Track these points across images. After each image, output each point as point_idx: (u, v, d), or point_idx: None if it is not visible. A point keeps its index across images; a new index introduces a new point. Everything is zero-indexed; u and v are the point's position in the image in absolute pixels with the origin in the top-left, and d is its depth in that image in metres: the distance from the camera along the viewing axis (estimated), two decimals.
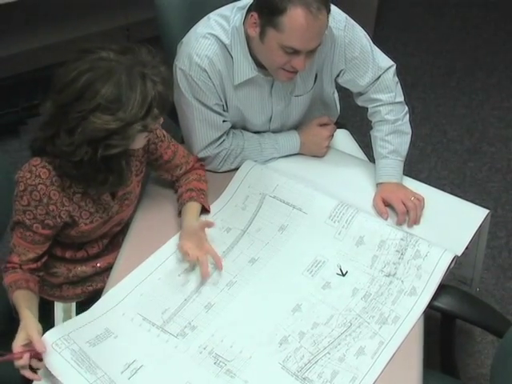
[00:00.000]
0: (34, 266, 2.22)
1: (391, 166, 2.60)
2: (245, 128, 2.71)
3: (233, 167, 2.67)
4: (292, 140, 2.71)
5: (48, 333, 2.00)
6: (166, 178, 2.57)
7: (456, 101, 4.68)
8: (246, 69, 2.48)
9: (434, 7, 5.64)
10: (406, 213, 2.47)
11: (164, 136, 2.44)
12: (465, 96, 4.73)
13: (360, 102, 2.74)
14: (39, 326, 1.99)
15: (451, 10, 5.62)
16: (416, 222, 2.47)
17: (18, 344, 1.94)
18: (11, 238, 2.22)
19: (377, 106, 2.67)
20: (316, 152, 2.74)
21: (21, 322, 2.01)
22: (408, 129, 2.68)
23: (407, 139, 2.67)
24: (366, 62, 2.61)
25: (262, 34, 2.32)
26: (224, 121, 2.60)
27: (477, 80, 4.88)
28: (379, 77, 2.65)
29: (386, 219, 2.48)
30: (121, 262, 2.36)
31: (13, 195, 2.15)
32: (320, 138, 2.73)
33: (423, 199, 2.51)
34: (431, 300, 2.22)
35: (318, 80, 2.66)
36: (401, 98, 2.69)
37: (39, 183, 2.11)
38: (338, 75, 2.66)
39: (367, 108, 2.73)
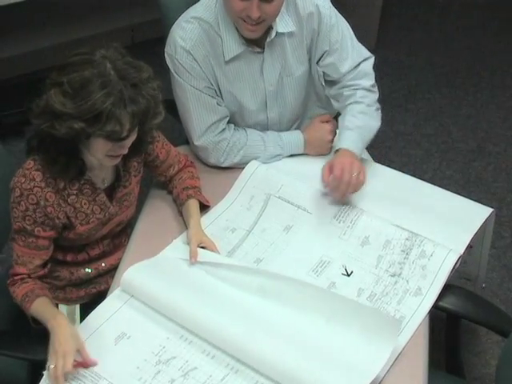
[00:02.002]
0: (42, 272, 2.22)
1: (353, 137, 2.57)
2: (243, 118, 2.71)
3: (235, 161, 2.67)
4: (295, 137, 2.72)
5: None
6: (159, 179, 2.58)
7: (460, 101, 4.68)
8: (233, 44, 2.51)
9: (437, 7, 5.64)
10: (339, 179, 2.41)
11: (159, 136, 2.45)
12: (469, 96, 4.73)
13: (334, 90, 2.74)
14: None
15: (455, 9, 5.62)
16: (342, 196, 2.44)
17: (72, 353, 1.95)
18: (13, 250, 2.20)
19: (353, 89, 2.68)
20: (321, 148, 2.74)
21: (60, 326, 2.00)
22: (377, 122, 2.69)
23: (374, 128, 2.67)
24: (347, 48, 2.65)
25: None
26: (219, 104, 2.61)
27: (481, 80, 4.89)
28: (359, 64, 2.68)
29: (325, 188, 2.47)
30: (126, 263, 2.35)
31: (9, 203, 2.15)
32: (323, 133, 2.73)
33: (363, 182, 2.46)
34: (436, 300, 2.22)
35: (312, 66, 2.70)
36: (376, 91, 2.72)
37: (34, 186, 2.11)
38: (320, 58, 2.67)
39: (339, 97, 2.73)
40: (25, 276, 2.19)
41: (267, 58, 2.58)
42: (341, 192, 2.43)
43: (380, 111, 2.72)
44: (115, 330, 2.12)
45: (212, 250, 2.33)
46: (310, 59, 2.67)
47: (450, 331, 2.45)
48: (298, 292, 2.18)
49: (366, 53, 2.72)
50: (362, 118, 2.62)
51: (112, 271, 2.40)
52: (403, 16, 5.51)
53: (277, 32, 2.52)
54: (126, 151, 2.12)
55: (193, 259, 2.28)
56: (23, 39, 4.30)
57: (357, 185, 2.44)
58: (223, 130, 2.64)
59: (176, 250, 2.36)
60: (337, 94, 2.73)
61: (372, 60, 2.73)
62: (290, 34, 2.57)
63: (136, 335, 2.12)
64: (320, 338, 2.07)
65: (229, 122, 2.68)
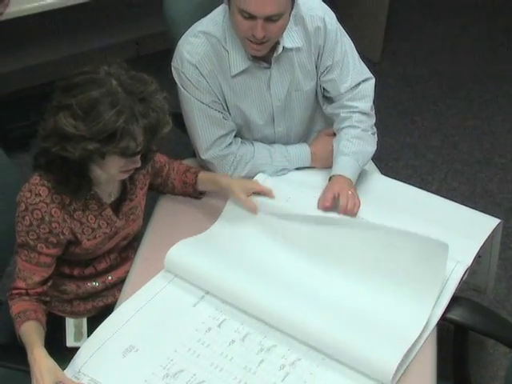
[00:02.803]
0: (40, 289, 2.21)
1: (350, 164, 2.60)
2: (250, 132, 2.71)
3: (243, 175, 2.65)
4: (302, 149, 2.73)
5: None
6: (156, 182, 2.58)
7: (466, 112, 4.68)
8: (240, 59, 2.52)
9: (442, 19, 5.64)
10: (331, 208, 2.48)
11: None
12: (475, 107, 4.73)
13: (330, 108, 2.74)
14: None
15: (460, 21, 5.62)
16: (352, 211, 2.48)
17: None
18: (16, 264, 2.20)
19: (350, 112, 2.68)
20: (327, 160, 2.71)
21: (36, 360, 1.99)
22: (372, 147, 2.70)
23: (369, 153, 2.69)
24: (348, 66, 2.66)
25: (229, 3, 2.40)
26: (225, 118, 2.61)
27: (487, 91, 4.88)
28: (358, 84, 2.68)
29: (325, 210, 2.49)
30: (133, 275, 2.36)
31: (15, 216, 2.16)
32: (329, 144, 2.72)
33: (358, 204, 2.49)
34: (444, 312, 2.21)
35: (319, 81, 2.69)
36: (373, 114, 2.73)
37: (40, 201, 2.11)
38: (322, 73, 2.67)
39: (335, 117, 2.74)
40: (23, 292, 2.19)
41: (274, 74, 2.58)
42: (344, 208, 2.47)
43: (376, 135, 2.73)
44: (123, 343, 2.12)
45: (264, 193, 2.48)
46: (316, 71, 2.67)
47: (458, 343, 2.44)
48: (349, 231, 2.32)
49: (366, 73, 2.72)
50: (357, 143, 2.63)
51: (119, 284, 2.40)
52: (408, 27, 5.51)
53: (284, 47, 2.52)
54: (139, 164, 2.13)
55: (254, 211, 2.43)
56: (27, 53, 4.31)
57: (353, 208, 2.47)
58: (230, 143, 2.64)
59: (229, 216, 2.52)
60: (333, 114, 2.73)
61: (372, 82, 2.73)
62: (298, 50, 2.57)
63: (144, 348, 2.12)
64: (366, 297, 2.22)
65: (236, 136, 2.68)
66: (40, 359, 1.99)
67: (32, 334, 2.08)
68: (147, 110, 1.99)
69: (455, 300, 2.24)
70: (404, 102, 4.71)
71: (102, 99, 1.94)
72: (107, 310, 2.28)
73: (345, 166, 2.59)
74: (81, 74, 2.01)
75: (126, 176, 2.19)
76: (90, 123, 1.94)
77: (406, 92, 4.82)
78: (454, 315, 2.24)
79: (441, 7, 5.73)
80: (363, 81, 2.69)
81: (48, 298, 2.25)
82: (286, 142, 2.75)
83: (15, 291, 2.19)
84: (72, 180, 2.10)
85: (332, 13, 2.62)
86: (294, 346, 2.12)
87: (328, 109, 2.75)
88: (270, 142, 2.73)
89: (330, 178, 2.59)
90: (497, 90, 4.89)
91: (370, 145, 2.68)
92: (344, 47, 2.63)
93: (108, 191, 2.27)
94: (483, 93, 4.87)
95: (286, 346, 2.12)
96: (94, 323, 2.25)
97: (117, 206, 2.32)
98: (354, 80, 2.66)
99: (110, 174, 2.13)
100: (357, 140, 2.64)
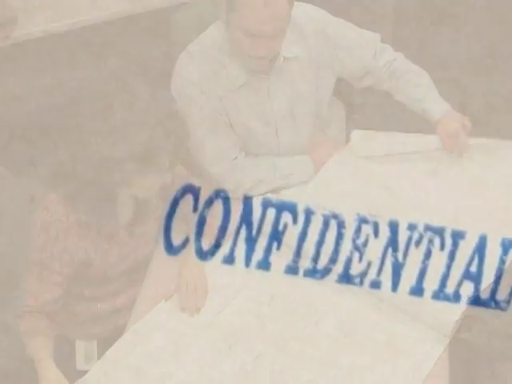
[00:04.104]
0: (49, 308, 2.21)
1: (436, 100, 2.73)
2: (254, 146, 2.70)
3: (248, 186, 2.63)
4: (303, 157, 2.71)
5: None
6: None
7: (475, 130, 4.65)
8: (238, 74, 2.52)
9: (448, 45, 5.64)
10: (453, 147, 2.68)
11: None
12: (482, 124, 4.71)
13: (368, 80, 2.80)
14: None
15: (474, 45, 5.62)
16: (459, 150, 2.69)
17: None
18: (27, 282, 2.21)
19: (388, 68, 2.76)
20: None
21: (45, 374, 2.02)
22: (422, 70, 2.79)
23: (428, 76, 2.78)
24: (360, 44, 2.71)
25: (227, 21, 2.41)
26: (229, 133, 2.62)
27: (494, 110, 4.87)
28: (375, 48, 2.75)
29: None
30: (143, 298, 2.36)
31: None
32: (328, 148, 2.74)
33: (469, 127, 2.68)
34: (457, 332, 2.18)
35: (320, 88, 2.70)
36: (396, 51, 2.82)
37: (56, 220, 2.12)
38: (343, 69, 2.71)
39: (380, 83, 2.81)
40: (33, 309, 2.19)
41: (274, 83, 2.59)
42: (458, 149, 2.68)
43: None
44: (134, 366, 2.13)
45: None
46: (317, 78, 2.67)
47: (471, 365, 2.43)
48: None
49: (372, 36, 2.76)
50: (422, 80, 2.76)
51: (129, 307, 2.38)
52: (415, 44, 5.51)
53: (284, 57, 2.53)
54: (169, 179, 2.16)
55: None
56: (34, 77, 4.33)
57: (462, 133, 2.67)
58: (236, 157, 2.64)
59: None
60: (375, 81, 2.80)
61: (379, 36, 2.78)
62: (297, 57, 2.58)
63: (154, 371, 2.12)
64: None
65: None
66: (48, 370, 2.03)
67: (41, 347, 2.11)
68: (175, 124, 2.04)
69: (468, 320, 2.22)
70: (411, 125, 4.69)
71: (134, 119, 1.97)
72: (117, 333, 2.28)
73: (435, 108, 2.72)
74: (102, 98, 2.03)
75: (151, 194, 2.19)
76: (127, 143, 1.96)
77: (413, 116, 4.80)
78: (467, 336, 2.22)
79: (447, 33, 5.72)
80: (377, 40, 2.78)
81: (58, 318, 2.26)
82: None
83: (26, 308, 2.19)
84: (102, 206, 2.12)
85: (321, 11, 2.65)
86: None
87: (366, 82, 2.81)
88: (275, 156, 2.73)
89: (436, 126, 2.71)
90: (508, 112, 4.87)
91: (421, 72, 2.79)
92: (349, 31, 2.69)
93: (122, 213, 2.27)
94: (490, 111, 4.84)
95: None
96: (104, 346, 2.25)
97: (129, 229, 2.31)
98: (371, 49, 2.73)
99: (138, 193, 2.15)
100: (419, 78, 2.76)
